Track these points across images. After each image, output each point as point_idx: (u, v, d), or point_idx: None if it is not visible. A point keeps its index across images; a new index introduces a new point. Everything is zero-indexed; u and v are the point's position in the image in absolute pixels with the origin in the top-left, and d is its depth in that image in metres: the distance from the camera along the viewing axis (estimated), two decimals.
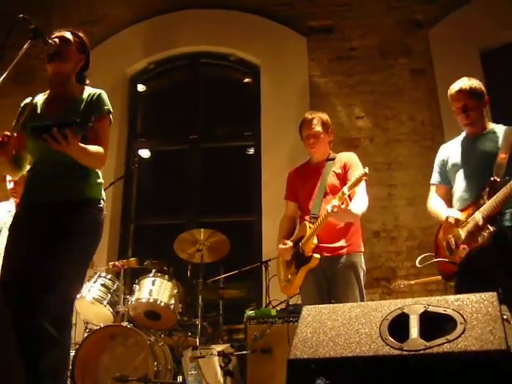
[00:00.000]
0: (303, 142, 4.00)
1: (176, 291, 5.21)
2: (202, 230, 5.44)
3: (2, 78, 2.85)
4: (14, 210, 4.81)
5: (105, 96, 3.07)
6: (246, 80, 7.59)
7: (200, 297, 5.19)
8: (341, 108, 6.76)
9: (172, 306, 5.10)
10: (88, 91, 3.08)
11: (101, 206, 3.00)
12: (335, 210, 3.38)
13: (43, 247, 2.73)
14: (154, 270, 5.35)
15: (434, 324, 2.03)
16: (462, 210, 3.44)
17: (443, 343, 1.92)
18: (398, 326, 2.08)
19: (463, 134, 3.69)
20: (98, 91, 3.08)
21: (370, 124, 6.70)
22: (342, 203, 3.38)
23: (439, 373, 1.90)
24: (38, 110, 3.09)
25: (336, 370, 2.06)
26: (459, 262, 3.34)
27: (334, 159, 3.94)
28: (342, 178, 3.79)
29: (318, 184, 3.86)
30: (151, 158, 7.63)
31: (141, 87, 7.83)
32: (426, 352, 1.92)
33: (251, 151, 7.26)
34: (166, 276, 5.29)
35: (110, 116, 3.08)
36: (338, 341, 2.14)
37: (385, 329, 2.09)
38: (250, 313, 5.51)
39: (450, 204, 3.64)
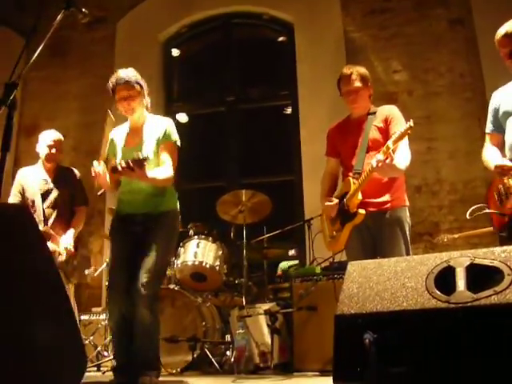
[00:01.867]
0: (343, 98, 3.95)
1: (221, 252, 5.27)
2: (244, 191, 5.44)
3: (38, 50, 2.88)
4: (48, 178, 4.87)
5: (171, 127, 3.81)
6: (281, 38, 7.52)
7: (244, 257, 5.24)
8: (377, 62, 6.66)
9: (217, 267, 5.18)
10: (155, 121, 3.87)
11: (176, 214, 3.87)
12: (380, 164, 3.35)
13: (138, 251, 3.63)
14: (197, 233, 5.42)
15: (481, 276, 2.02)
16: None
17: (491, 295, 1.91)
18: (445, 279, 2.08)
19: None
20: (164, 123, 3.82)
21: (408, 77, 6.60)
22: (387, 158, 3.34)
23: (487, 324, 1.90)
24: (122, 144, 3.86)
25: (383, 324, 2.08)
26: (510, 213, 3.21)
27: (375, 113, 3.86)
28: (384, 131, 3.72)
29: (359, 139, 3.79)
30: (189, 122, 7.66)
31: (175, 52, 7.83)
32: (474, 304, 1.92)
33: (289, 110, 7.23)
34: (210, 238, 5.34)
35: (178, 143, 3.81)
36: (385, 295, 2.16)
37: (431, 282, 2.09)
38: (283, 264, 5.61)
39: (503, 153, 3.49)
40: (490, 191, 3.49)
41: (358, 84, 3.83)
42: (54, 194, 4.82)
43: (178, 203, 3.92)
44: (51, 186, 4.85)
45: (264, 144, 7.33)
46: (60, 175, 4.93)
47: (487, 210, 3.41)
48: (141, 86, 3.81)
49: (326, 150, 4.08)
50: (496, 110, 3.54)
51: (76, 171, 5.01)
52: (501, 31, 3.40)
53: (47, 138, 4.92)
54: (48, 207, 4.79)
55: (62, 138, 5.03)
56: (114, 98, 3.80)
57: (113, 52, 7.49)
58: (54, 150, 4.89)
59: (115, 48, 7.52)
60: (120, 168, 3.45)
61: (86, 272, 5.09)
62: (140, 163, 3.41)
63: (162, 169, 3.70)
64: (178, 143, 3.83)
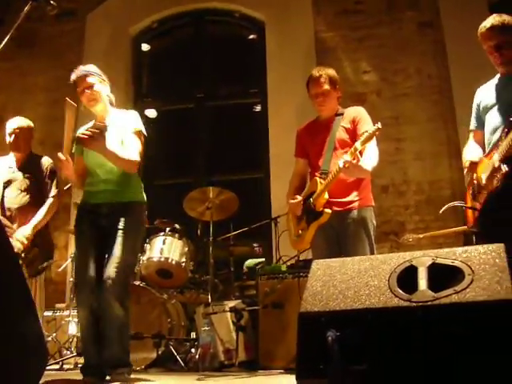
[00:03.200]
0: (311, 99, 3.97)
1: (187, 249, 5.26)
2: (211, 188, 5.41)
3: (4, 41, 2.84)
4: (15, 166, 4.71)
5: (136, 117, 3.84)
6: (251, 36, 7.52)
7: (211, 254, 5.22)
8: (347, 63, 6.70)
9: (183, 264, 5.16)
10: (120, 114, 3.87)
11: (143, 207, 3.82)
12: (347, 165, 3.38)
13: (104, 239, 3.57)
14: (164, 229, 5.39)
15: (443, 276, 2.05)
16: (487, 154, 3.25)
17: (451, 294, 1.94)
18: (407, 278, 2.11)
19: (498, 75, 3.44)
20: (129, 113, 3.87)
21: (377, 78, 6.65)
22: (354, 159, 3.36)
23: (447, 323, 1.92)
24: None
25: (346, 322, 2.10)
26: (479, 208, 3.18)
27: (342, 114, 3.90)
28: (352, 132, 3.77)
29: (327, 140, 3.83)
30: (158, 117, 7.62)
31: (145, 47, 7.78)
32: (434, 303, 1.94)
33: (258, 108, 7.24)
34: (177, 235, 5.32)
35: (143, 132, 3.81)
36: (348, 294, 2.17)
37: (393, 281, 2.12)
38: (249, 262, 5.61)
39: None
40: (468, 188, 3.45)
41: (326, 87, 3.86)
42: (18, 182, 4.61)
43: (145, 197, 3.86)
44: (17, 174, 4.65)
45: (232, 141, 7.32)
46: (27, 163, 4.69)
47: (458, 204, 3.38)
48: (101, 77, 3.84)
49: (294, 151, 4.10)
50: (478, 107, 3.51)
51: (45, 159, 4.67)
52: (486, 24, 3.31)
53: (7, 127, 4.73)
54: (11, 197, 4.60)
55: (26, 125, 4.78)
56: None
57: (82, 45, 7.41)
58: (12, 138, 4.67)
59: (84, 41, 7.44)
60: (82, 135, 3.46)
61: (45, 264, 4.94)
62: (100, 128, 3.52)
63: (127, 150, 3.67)
64: (144, 132, 3.81)
